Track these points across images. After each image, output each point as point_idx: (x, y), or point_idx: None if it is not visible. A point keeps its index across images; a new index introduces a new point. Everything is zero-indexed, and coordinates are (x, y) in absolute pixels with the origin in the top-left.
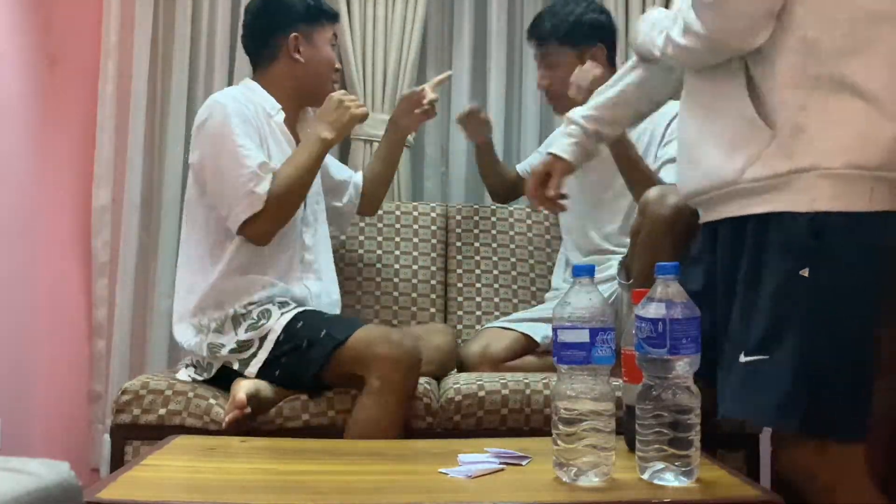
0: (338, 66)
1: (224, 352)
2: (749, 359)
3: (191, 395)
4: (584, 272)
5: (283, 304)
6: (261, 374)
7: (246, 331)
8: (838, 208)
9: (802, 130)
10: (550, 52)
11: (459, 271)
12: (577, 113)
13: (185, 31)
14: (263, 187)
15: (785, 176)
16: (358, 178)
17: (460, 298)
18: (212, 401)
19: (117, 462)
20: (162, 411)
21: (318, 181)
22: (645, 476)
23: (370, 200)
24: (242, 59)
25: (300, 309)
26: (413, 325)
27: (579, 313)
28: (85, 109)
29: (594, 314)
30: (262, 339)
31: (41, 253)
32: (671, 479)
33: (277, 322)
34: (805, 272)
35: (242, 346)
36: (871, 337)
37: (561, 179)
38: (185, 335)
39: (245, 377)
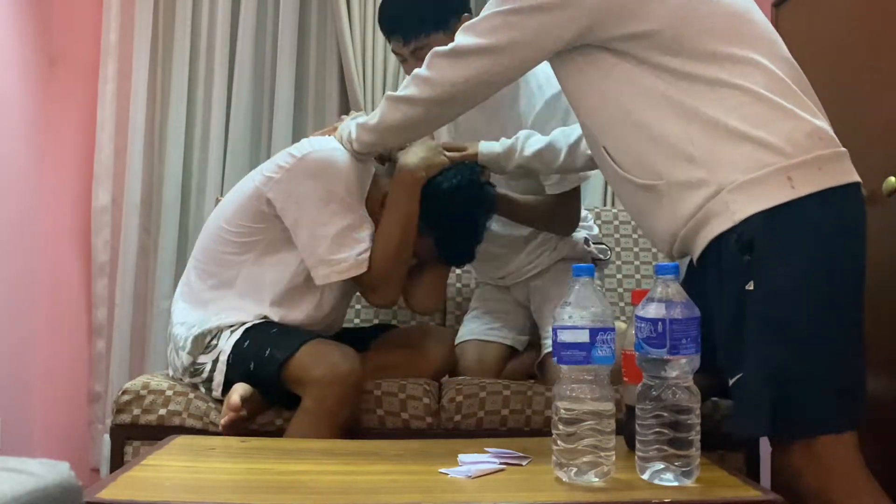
0: None
1: (186, 375)
2: (733, 380)
3: (191, 395)
4: (583, 272)
5: (234, 323)
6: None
7: (201, 353)
8: (760, 208)
9: (693, 160)
10: (422, 45)
11: (459, 272)
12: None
13: (185, 31)
14: None
15: (704, 208)
16: None
17: (459, 299)
18: (211, 403)
19: (117, 462)
20: (162, 412)
21: None
22: (645, 476)
23: None
24: (243, 58)
25: (249, 325)
26: (412, 325)
27: (579, 313)
28: (85, 109)
29: (594, 314)
30: (215, 361)
31: (41, 253)
32: (671, 479)
33: (227, 342)
34: (750, 286)
35: (197, 370)
36: (837, 328)
37: None
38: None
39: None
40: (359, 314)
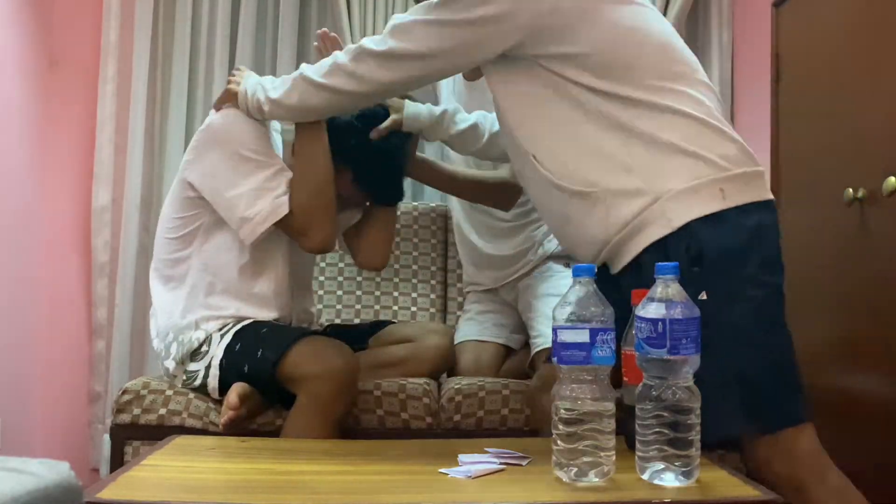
0: None
1: (178, 382)
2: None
3: (191, 395)
4: (583, 272)
5: (223, 327)
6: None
7: (191, 360)
8: (695, 215)
9: (631, 171)
10: None
11: (459, 271)
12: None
13: (185, 31)
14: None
15: (641, 215)
16: None
17: (460, 298)
18: (211, 403)
19: (117, 462)
20: (162, 411)
21: None
22: (645, 476)
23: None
24: (243, 59)
25: (238, 327)
26: (411, 324)
27: (579, 313)
28: (85, 109)
29: (594, 314)
30: (207, 367)
31: (41, 253)
32: (671, 479)
33: (219, 347)
34: (703, 296)
35: (190, 377)
36: (780, 328)
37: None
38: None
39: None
40: (359, 314)
